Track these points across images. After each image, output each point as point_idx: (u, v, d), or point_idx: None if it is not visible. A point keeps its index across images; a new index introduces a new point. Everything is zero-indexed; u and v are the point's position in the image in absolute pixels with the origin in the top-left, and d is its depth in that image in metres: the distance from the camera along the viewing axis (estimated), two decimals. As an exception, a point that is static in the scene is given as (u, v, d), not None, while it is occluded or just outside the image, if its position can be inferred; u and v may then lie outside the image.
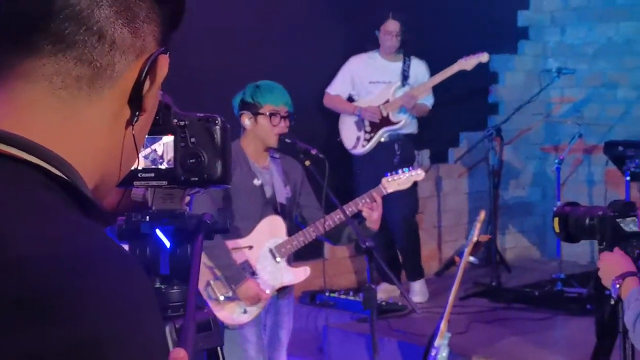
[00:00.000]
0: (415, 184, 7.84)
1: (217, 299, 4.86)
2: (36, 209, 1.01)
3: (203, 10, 7.24)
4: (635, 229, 3.21)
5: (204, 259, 4.89)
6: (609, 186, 9.14)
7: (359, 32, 8.09)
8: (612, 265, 3.22)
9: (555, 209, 3.63)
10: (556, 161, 8.14)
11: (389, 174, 5.15)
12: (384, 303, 7.15)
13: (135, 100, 1.16)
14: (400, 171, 5.19)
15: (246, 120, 4.94)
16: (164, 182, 1.67)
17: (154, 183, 1.67)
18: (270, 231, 5.00)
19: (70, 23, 1.08)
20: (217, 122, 1.68)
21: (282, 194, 5.07)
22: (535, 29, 9.87)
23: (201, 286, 4.87)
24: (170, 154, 1.66)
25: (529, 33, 9.87)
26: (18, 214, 0.99)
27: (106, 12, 1.10)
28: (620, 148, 7.54)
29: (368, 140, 7.79)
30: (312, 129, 7.92)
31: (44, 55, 1.08)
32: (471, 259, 5.70)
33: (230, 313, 4.89)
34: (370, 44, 7.96)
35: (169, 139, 1.66)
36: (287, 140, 4.89)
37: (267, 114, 4.87)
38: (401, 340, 6.48)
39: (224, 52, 7.45)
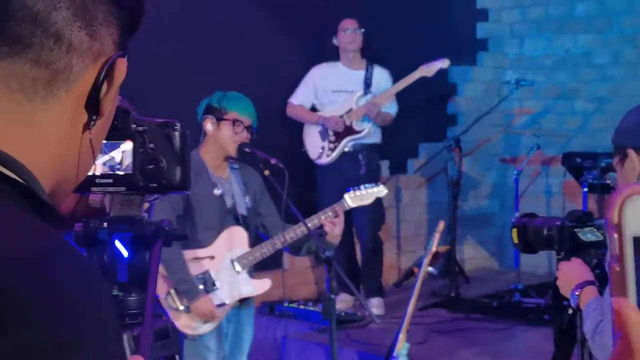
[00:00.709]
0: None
1: (177, 309, 4.84)
2: None
3: (165, 17, 7.22)
4: (593, 238, 3.22)
5: (163, 269, 4.87)
6: (567, 197, 9.19)
7: (319, 41, 8.09)
8: (570, 274, 3.23)
9: (513, 220, 3.64)
10: (514, 172, 8.19)
11: (351, 189, 5.14)
12: (343, 313, 7.15)
13: (93, 104, 1.15)
14: (362, 187, 5.18)
15: (209, 125, 4.91)
16: (122, 188, 1.65)
17: (112, 189, 1.66)
18: (232, 242, 4.99)
19: (26, 25, 1.07)
20: (176, 127, 1.67)
21: (242, 205, 5.05)
22: (494, 40, 9.94)
23: (161, 295, 4.85)
24: (128, 160, 1.65)
25: (488, 45, 9.93)
26: None
27: (63, 14, 1.09)
28: (578, 159, 7.58)
29: (332, 150, 7.78)
30: (275, 139, 7.93)
31: (0, 57, 1.07)
32: (430, 269, 5.70)
33: (189, 323, 4.86)
34: (330, 54, 7.96)
35: (127, 144, 1.65)
36: (247, 150, 4.88)
37: (231, 120, 4.86)
38: (360, 350, 6.48)
39: (184, 62, 7.42)
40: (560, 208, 9.29)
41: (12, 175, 1.05)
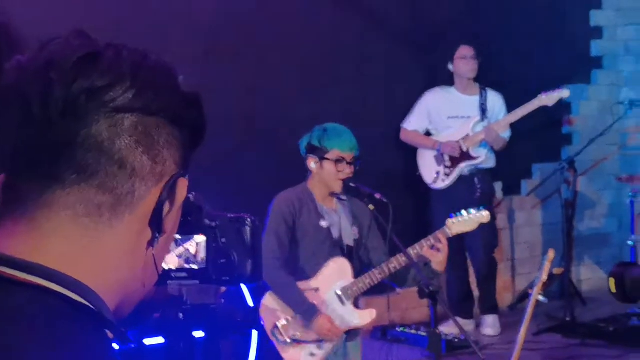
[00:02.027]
0: (494, 218, 7.87)
1: (284, 342, 4.89)
2: (50, 338, 1.05)
3: (276, 46, 7.34)
4: None
5: (270, 300, 4.93)
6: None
7: (431, 66, 8.11)
8: None
9: (611, 270, 3.59)
10: (630, 194, 8.05)
11: (453, 215, 5.10)
12: (456, 340, 7.11)
13: (156, 223, 1.20)
14: (465, 212, 5.12)
15: (312, 164, 4.95)
16: (196, 282, 1.71)
17: (187, 282, 1.72)
18: (337, 274, 5.01)
19: (92, 153, 1.13)
20: (247, 222, 1.72)
21: (350, 236, 5.07)
22: (609, 58, 9.78)
23: (268, 328, 4.91)
24: (202, 254, 1.70)
25: (602, 62, 9.78)
26: (35, 344, 1.04)
27: (127, 141, 1.15)
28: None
29: (448, 175, 7.79)
30: (389, 164, 8.01)
31: (68, 184, 1.14)
32: (540, 298, 5.63)
33: (297, 355, 4.91)
34: (443, 79, 7.98)
35: (201, 238, 1.71)
36: (352, 185, 4.91)
37: (334, 159, 4.89)
38: (471, 378, 6.45)
39: (295, 90, 7.53)
40: (679, 228, 9.10)
41: (77, 298, 1.11)
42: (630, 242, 8.06)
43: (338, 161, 4.88)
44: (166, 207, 1.21)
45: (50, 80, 1.13)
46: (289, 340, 4.89)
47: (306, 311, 4.88)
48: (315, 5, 7.76)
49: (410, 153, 8.03)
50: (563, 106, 9.29)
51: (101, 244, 1.16)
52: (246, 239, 1.71)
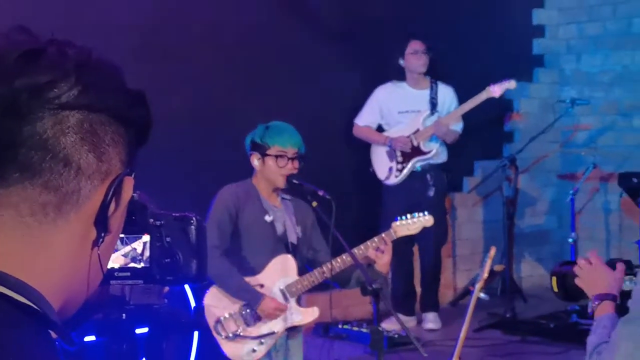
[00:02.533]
0: (446, 213, 7.91)
1: (227, 337, 4.88)
2: None
3: (218, 46, 7.31)
4: (631, 287, 3.17)
5: (213, 295, 4.91)
6: (625, 214, 9.10)
7: (383, 61, 8.11)
8: (600, 279, 3.18)
9: (552, 269, 3.59)
10: (570, 192, 8.14)
11: (398, 218, 5.16)
12: (396, 335, 7.12)
13: (101, 222, 1.17)
14: (409, 216, 5.18)
15: (255, 161, 4.97)
16: (140, 281, 1.68)
17: (130, 282, 1.69)
18: (281, 270, 5.01)
19: (37, 151, 1.10)
20: (192, 221, 1.70)
21: (293, 233, 5.08)
22: (551, 56, 9.87)
23: (211, 324, 4.89)
24: (146, 253, 1.68)
25: (544, 61, 9.86)
26: None
27: (72, 139, 1.12)
28: (635, 180, 7.51)
29: (400, 171, 7.81)
30: (342, 159, 8.03)
31: (11, 183, 1.10)
32: (482, 295, 5.69)
33: (239, 351, 4.90)
34: (395, 74, 7.99)
35: (146, 238, 1.68)
36: (294, 181, 4.90)
37: (275, 155, 4.90)
38: (412, 375, 6.45)
39: (242, 88, 7.50)
40: (617, 225, 9.22)
41: (21, 299, 1.08)
42: (570, 240, 8.14)
43: (279, 157, 4.89)
44: (112, 206, 1.18)
45: None
46: (231, 336, 4.88)
47: (250, 297, 4.88)
48: (261, 4, 7.75)
49: (363, 149, 8.04)
50: (505, 103, 9.36)
51: (45, 244, 1.13)
52: (191, 239, 1.69)
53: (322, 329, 7.40)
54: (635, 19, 9.26)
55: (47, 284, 1.12)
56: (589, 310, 3.14)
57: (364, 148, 8.02)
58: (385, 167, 7.89)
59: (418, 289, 8.11)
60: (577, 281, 3.23)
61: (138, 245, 1.67)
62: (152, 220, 1.66)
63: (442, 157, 7.95)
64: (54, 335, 1.11)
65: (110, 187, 1.17)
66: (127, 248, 1.68)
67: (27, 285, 1.09)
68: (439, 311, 7.98)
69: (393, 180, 7.83)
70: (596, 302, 3.12)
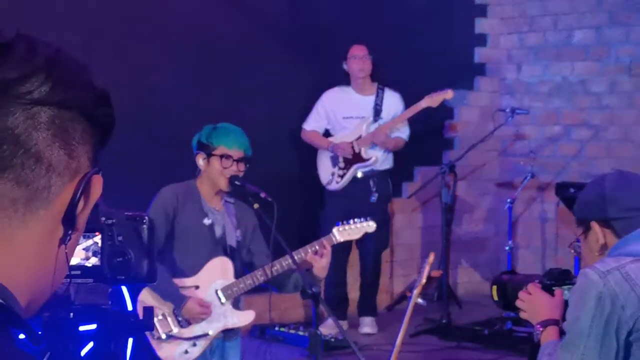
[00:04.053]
0: (389, 219, 7.93)
1: (159, 338, 4.84)
2: None
3: (171, 48, 7.28)
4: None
5: (147, 295, 4.88)
6: (561, 224, 9.21)
7: (332, 65, 8.11)
8: (539, 306, 3.24)
9: (493, 278, 3.63)
10: (508, 200, 8.22)
11: (339, 223, 5.16)
12: (332, 339, 7.13)
13: (69, 220, 1.17)
14: (351, 221, 5.18)
15: (200, 161, 4.95)
16: (90, 280, 1.67)
17: (80, 280, 1.67)
18: (218, 272, 4.99)
19: (8, 146, 1.09)
20: (144, 221, 1.69)
21: (233, 237, 5.06)
22: (492, 65, 9.95)
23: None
24: (97, 252, 1.66)
25: (485, 69, 9.94)
26: None
27: (43, 135, 1.11)
28: (572, 190, 7.59)
29: (342, 177, 7.82)
30: (289, 163, 8.04)
31: None
32: (420, 301, 5.69)
33: (171, 352, 4.87)
34: (341, 79, 8.00)
35: (97, 236, 1.66)
36: (237, 183, 4.89)
37: (219, 155, 4.88)
38: (349, 379, 6.47)
39: (191, 89, 7.47)
40: (554, 234, 9.32)
41: None
42: (507, 248, 8.22)
43: (224, 157, 4.87)
44: (80, 204, 1.18)
45: None
46: (164, 336, 4.84)
47: (174, 299, 4.85)
48: (211, 4, 7.73)
49: (311, 153, 8.04)
50: (445, 111, 9.42)
51: (14, 240, 1.12)
52: (143, 238, 1.67)
53: (259, 331, 7.39)
54: (576, 30, 9.37)
55: (14, 280, 1.11)
56: (535, 338, 3.20)
57: (312, 153, 8.03)
58: (327, 172, 7.90)
59: (351, 294, 8.13)
60: (521, 314, 3.31)
61: (89, 244, 1.65)
62: (103, 218, 1.65)
63: (387, 163, 7.98)
64: (21, 336, 1.10)
65: (79, 184, 1.17)
66: (78, 246, 1.66)
67: None
68: (376, 316, 8.01)
69: (334, 185, 7.85)
70: (540, 329, 3.18)
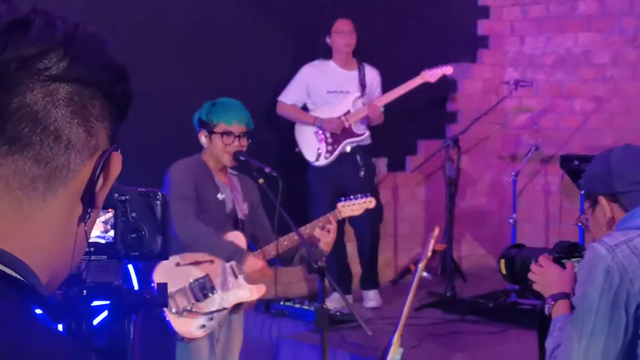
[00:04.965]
0: (378, 193, 7.90)
1: (177, 312, 4.86)
2: None
3: (150, 30, 7.20)
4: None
5: (162, 272, 4.87)
6: (565, 197, 9.19)
7: (309, 39, 8.02)
8: (550, 279, 3.24)
9: (501, 252, 3.63)
10: (512, 173, 8.20)
11: (342, 200, 5.25)
12: (337, 313, 7.13)
13: (88, 198, 1.16)
14: (353, 197, 5.27)
15: (202, 138, 4.98)
16: (104, 257, 1.66)
17: (94, 257, 1.66)
18: None
19: (26, 124, 1.08)
20: (158, 197, 1.67)
21: (242, 210, 5.09)
22: (495, 38, 9.90)
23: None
24: (111, 229, 1.65)
25: (488, 42, 9.90)
26: None
27: (62, 112, 1.10)
28: (576, 162, 7.56)
29: (331, 152, 7.74)
30: (263, 139, 7.91)
31: (1, 155, 1.08)
32: (425, 274, 5.70)
33: (188, 326, 4.90)
34: (320, 52, 7.91)
35: (109, 213, 1.65)
36: (241, 158, 4.90)
37: (220, 132, 4.88)
38: (354, 353, 6.48)
39: (169, 68, 7.36)
40: (557, 207, 9.31)
41: (12, 273, 1.07)
42: (511, 221, 8.20)
43: (225, 134, 4.87)
44: (99, 181, 1.17)
45: None
46: (181, 311, 4.87)
47: (234, 253, 4.90)
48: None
49: (286, 128, 7.92)
50: (448, 84, 9.39)
51: (34, 218, 1.12)
52: (157, 214, 1.66)
53: (264, 306, 7.39)
54: (580, 1, 9.32)
55: (36, 259, 1.11)
56: (546, 311, 3.20)
57: (288, 127, 7.90)
58: (313, 149, 7.79)
59: (353, 269, 8.12)
60: (534, 287, 3.30)
61: (108, 217, 1.65)
62: (117, 195, 1.64)
63: (369, 138, 7.91)
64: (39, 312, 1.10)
65: (98, 162, 1.16)
66: (97, 220, 1.65)
67: (16, 259, 1.08)
68: (379, 288, 8.01)
69: (322, 161, 7.75)
70: (551, 303, 3.18)
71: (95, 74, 1.14)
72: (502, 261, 3.53)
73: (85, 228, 1.19)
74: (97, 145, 1.16)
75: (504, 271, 3.53)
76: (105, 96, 1.16)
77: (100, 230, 1.66)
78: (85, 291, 1.64)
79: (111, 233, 1.67)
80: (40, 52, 1.09)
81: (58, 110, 1.10)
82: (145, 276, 4.66)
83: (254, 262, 4.91)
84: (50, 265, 1.15)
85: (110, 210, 1.67)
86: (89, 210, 1.18)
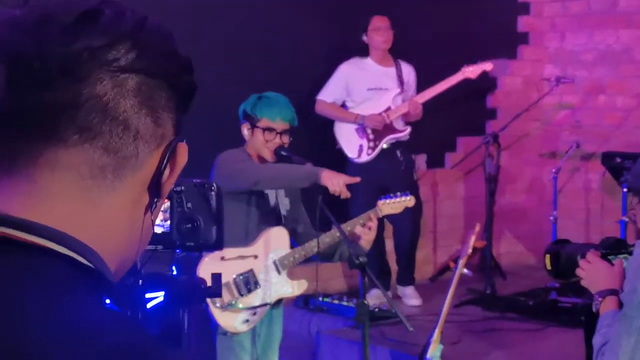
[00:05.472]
0: (417, 188, 7.89)
1: (221, 306, 4.87)
2: (59, 301, 1.03)
3: (189, 24, 7.20)
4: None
5: (207, 265, 4.87)
6: (606, 194, 9.13)
7: (345, 38, 8.01)
8: (598, 276, 3.22)
9: (546, 247, 3.62)
10: (553, 170, 8.15)
11: (382, 198, 5.23)
12: (377, 309, 7.12)
13: (155, 188, 1.18)
14: (393, 195, 5.26)
15: (245, 131, 4.98)
16: (159, 247, 1.67)
17: (149, 247, 1.67)
18: (275, 242, 5.03)
19: (96, 113, 1.10)
20: (212, 188, 1.68)
21: (283, 205, 5.10)
22: (535, 34, 9.86)
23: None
24: (167, 219, 1.66)
25: (528, 38, 9.86)
26: (42, 308, 1.01)
27: (131, 102, 1.12)
28: (618, 159, 7.51)
29: (373, 149, 7.74)
30: (300, 137, 7.89)
31: (71, 145, 1.10)
32: (465, 271, 5.70)
33: (232, 321, 4.91)
34: (356, 49, 7.91)
35: (166, 204, 1.66)
36: (283, 154, 4.90)
37: (263, 128, 4.89)
38: (394, 349, 6.47)
39: (208, 58, 7.36)
40: (599, 205, 9.25)
41: (84, 261, 1.08)
42: (551, 218, 8.16)
43: (267, 130, 4.88)
44: (166, 172, 1.19)
45: (49, 36, 1.09)
46: (225, 305, 4.87)
47: (309, 172, 4.90)
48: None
49: (324, 126, 7.90)
50: (488, 80, 9.35)
51: (103, 207, 1.13)
52: (212, 205, 1.67)
53: (303, 302, 7.40)
54: (621, -3, 9.26)
55: (105, 247, 1.13)
56: (594, 308, 3.18)
57: (326, 125, 7.88)
58: (355, 145, 7.80)
59: (392, 265, 8.10)
60: (581, 282, 3.28)
61: (165, 207, 1.66)
62: (172, 186, 1.65)
63: (408, 135, 7.92)
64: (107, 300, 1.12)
65: (165, 152, 1.18)
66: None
67: (89, 248, 1.10)
68: (415, 285, 7.99)
69: (365, 158, 7.77)
70: (599, 299, 3.16)
71: (162, 65, 1.15)
72: (547, 256, 3.51)
73: (152, 217, 1.21)
74: (164, 135, 1.17)
75: (549, 266, 3.51)
76: (170, 87, 1.17)
77: (160, 219, 1.68)
78: (141, 281, 1.65)
79: (168, 223, 1.68)
80: (110, 42, 1.10)
81: (127, 100, 1.11)
82: (188, 268, 4.68)
83: (330, 173, 4.90)
84: (118, 254, 1.17)
85: (165, 201, 1.68)
86: (155, 200, 1.19)
